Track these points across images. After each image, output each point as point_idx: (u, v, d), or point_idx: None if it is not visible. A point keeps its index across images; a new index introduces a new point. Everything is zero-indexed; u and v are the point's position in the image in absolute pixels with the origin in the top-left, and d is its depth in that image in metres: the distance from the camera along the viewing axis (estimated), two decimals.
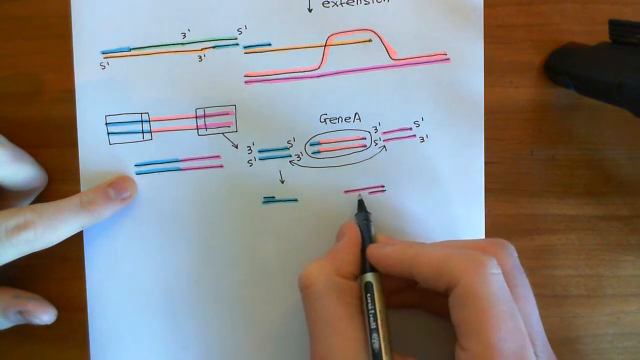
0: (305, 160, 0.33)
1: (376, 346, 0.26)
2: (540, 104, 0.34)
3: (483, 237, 0.33)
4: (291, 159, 0.33)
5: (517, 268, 0.27)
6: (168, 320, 0.33)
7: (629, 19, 0.28)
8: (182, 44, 0.33)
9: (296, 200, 0.33)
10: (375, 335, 0.26)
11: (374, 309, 0.27)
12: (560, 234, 0.34)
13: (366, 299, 0.27)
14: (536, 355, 0.24)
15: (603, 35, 0.30)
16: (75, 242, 0.32)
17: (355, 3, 0.33)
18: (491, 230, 0.34)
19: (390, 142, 0.33)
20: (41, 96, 0.33)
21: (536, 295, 0.33)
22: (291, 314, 0.33)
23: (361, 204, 0.32)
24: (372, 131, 0.33)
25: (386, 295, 0.28)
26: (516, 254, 0.27)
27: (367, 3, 0.33)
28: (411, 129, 0.33)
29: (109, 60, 0.32)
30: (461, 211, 0.33)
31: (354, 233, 0.30)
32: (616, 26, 0.29)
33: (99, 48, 0.32)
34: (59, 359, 0.34)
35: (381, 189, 0.33)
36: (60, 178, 0.33)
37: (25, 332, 0.33)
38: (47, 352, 0.34)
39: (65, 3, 0.32)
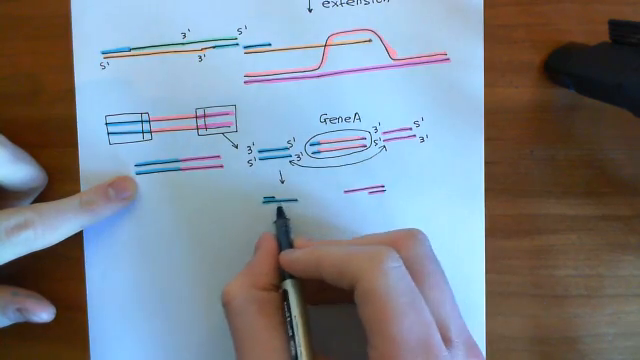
0: (305, 160, 0.33)
1: (293, 353, 0.26)
2: (540, 104, 0.34)
3: (483, 237, 0.34)
4: (291, 159, 0.33)
5: (428, 257, 0.27)
6: (168, 320, 0.33)
7: (629, 19, 0.28)
8: (182, 44, 0.33)
9: (296, 200, 0.33)
10: (292, 342, 0.26)
11: (290, 316, 0.27)
12: (560, 234, 0.34)
13: (284, 307, 0.27)
14: (451, 340, 0.24)
15: (603, 35, 0.30)
16: (75, 242, 0.32)
17: (355, 3, 0.33)
18: (491, 230, 0.34)
19: (390, 142, 0.33)
20: (41, 96, 0.33)
21: (536, 295, 0.33)
22: None
23: (280, 211, 0.32)
24: (372, 131, 0.33)
25: (309, 296, 0.28)
26: (429, 243, 0.27)
27: (367, 3, 0.33)
28: (411, 129, 0.33)
29: (109, 60, 0.32)
30: (461, 211, 0.33)
31: (269, 243, 0.30)
32: (616, 26, 0.29)
33: (99, 48, 0.32)
34: (59, 359, 0.34)
35: (381, 189, 0.33)
36: (60, 178, 0.33)
37: (25, 332, 0.33)
38: (47, 352, 0.34)
39: (65, 3, 0.32)
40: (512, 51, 0.33)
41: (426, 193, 0.33)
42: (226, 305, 0.28)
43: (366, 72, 0.33)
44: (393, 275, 0.24)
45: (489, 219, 0.34)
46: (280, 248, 0.30)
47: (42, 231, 0.28)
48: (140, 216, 0.33)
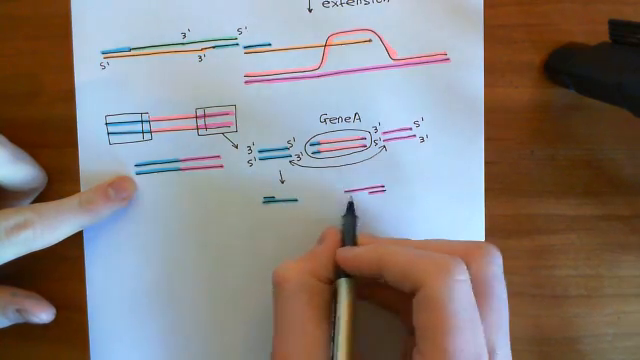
0: (305, 160, 0.33)
1: (331, 354, 0.26)
2: (540, 104, 0.34)
3: (483, 237, 0.34)
4: (291, 159, 0.33)
5: (496, 277, 0.26)
6: (168, 320, 0.33)
7: (629, 19, 0.28)
8: (182, 44, 0.33)
9: (296, 200, 0.33)
10: (332, 344, 0.26)
11: (334, 317, 0.26)
12: (560, 234, 0.34)
13: (332, 305, 0.27)
14: None
15: (603, 35, 0.30)
16: (75, 242, 0.32)
17: (355, 3, 0.33)
18: (491, 230, 0.34)
19: (390, 142, 0.33)
20: (41, 96, 0.33)
21: (536, 295, 0.33)
22: None
23: (350, 207, 0.32)
24: (372, 131, 0.33)
25: (359, 295, 0.28)
26: (500, 261, 0.27)
27: (367, 3, 0.33)
28: (411, 129, 0.33)
29: (109, 60, 0.32)
30: (461, 211, 0.33)
31: (334, 236, 0.30)
32: (616, 26, 0.29)
33: (99, 48, 0.32)
34: (59, 359, 0.34)
35: (381, 189, 0.33)
36: (60, 178, 0.33)
37: (25, 332, 0.33)
38: (47, 352, 0.34)
39: (65, 3, 0.32)
40: (512, 51, 0.33)
41: (426, 193, 0.33)
42: (277, 286, 0.27)
43: (366, 72, 0.33)
44: (458, 288, 0.24)
45: (489, 219, 0.34)
46: (343, 244, 0.30)
47: (41, 231, 0.28)
48: (140, 216, 0.33)
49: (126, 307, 0.33)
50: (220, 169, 0.33)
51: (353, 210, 0.32)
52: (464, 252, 0.26)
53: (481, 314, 0.24)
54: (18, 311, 0.31)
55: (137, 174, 0.33)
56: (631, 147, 0.34)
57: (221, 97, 0.33)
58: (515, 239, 0.34)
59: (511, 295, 0.34)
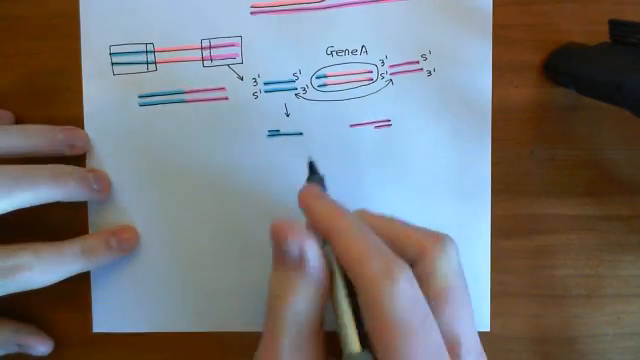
0: (311, 93, 0.33)
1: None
2: (540, 104, 0.34)
3: (488, 172, 0.33)
4: (297, 92, 0.33)
5: (453, 272, 0.25)
6: (169, 250, 0.33)
7: (629, 19, 0.28)
8: None
9: (301, 134, 0.33)
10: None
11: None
12: (560, 234, 0.34)
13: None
14: (460, 356, 0.24)
15: (603, 35, 0.30)
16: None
17: None
18: (491, 230, 0.34)
19: (397, 76, 0.33)
20: (41, 96, 0.33)
21: (536, 295, 0.33)
22: None
23: (312, 167, 0.29)
24: (379, 64, 0.33)
25: None
26: (457, 254, 0.26)
27: None
28: (418, 62, 0.33)
29: None
30: (467, 146, 0.33)
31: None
32: (616, 26, 0.29)
33: None
34: (59, 358, 0.34)
35: (387, 123, 0.33)
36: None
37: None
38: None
39: (68, 3, 0.32)
40: (512, 51, 0.33)
41: (433, 127, 0.33)
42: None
43: (374, 4, 0.32)
44: (402, 295, 0.23)
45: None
46: None
47: (39, 273, 0.29)
48: (143, 148, 0.33)
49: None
50: (225, 101, 0.33)
51: (316, 171, 0.29)
52: (419, 243, 0.25)
53: (438, 308, 0.24)
54: (19, 345, 0.32)
55: (141, 105, 0.33)
56: (631, 147, 0.34)
57: (227, 28, 0.33)
58: (515, 239, 0.34)
59: (511, 295, 0.34)
